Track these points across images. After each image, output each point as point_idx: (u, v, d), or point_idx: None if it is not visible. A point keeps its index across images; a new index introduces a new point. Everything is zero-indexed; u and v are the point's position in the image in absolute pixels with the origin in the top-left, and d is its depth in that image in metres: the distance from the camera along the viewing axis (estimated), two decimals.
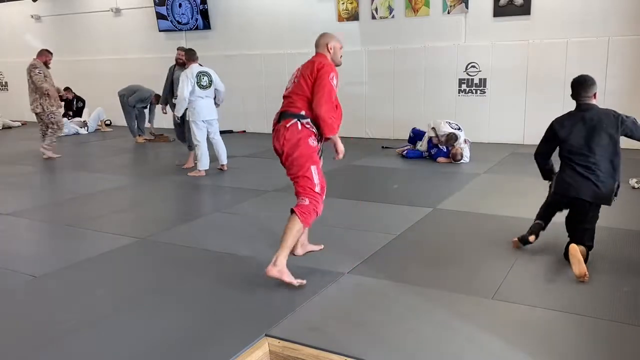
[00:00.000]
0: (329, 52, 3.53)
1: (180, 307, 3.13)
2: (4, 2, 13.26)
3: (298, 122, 3.36)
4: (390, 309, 3.00)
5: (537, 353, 2.52)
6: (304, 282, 3.29)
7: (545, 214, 3.89)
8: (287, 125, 3.37)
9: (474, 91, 8.50)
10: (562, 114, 3.77)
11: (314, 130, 3.40)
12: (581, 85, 3.62)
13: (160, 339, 2.77)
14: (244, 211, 5.11)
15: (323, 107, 3.32)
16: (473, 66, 8.43)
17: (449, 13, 8.48)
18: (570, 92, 3.70)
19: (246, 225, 4.69)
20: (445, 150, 7.12)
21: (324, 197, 3.49)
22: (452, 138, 7.01)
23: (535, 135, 8.08)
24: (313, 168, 3.38)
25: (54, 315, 3.08)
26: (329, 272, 3.50)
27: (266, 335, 2.75)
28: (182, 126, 7.11)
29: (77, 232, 4.65)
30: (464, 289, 3.23)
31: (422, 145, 7.45)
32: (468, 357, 2.52)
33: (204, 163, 6.70)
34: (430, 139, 7.29)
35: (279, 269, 3.25)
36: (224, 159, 6.95)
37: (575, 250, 3.34)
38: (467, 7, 8.32)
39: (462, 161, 7.00)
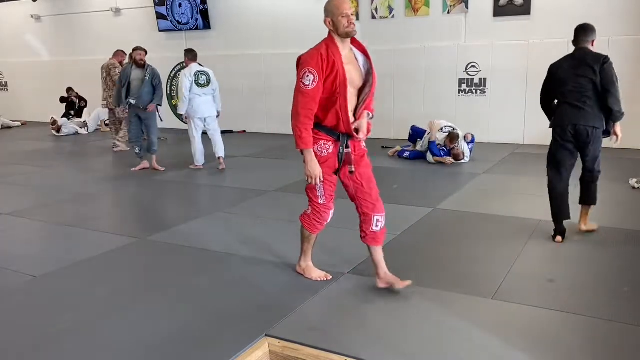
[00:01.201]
0: (330, 27, 2.99)
1: (180, 307, 3.13)
2: (4, 2, 13.26)
3: None
4: (391, 309, 3.00)
5: (537, 353, 2.52)
6: (329, 277, 3.38)
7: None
8: None
9: (474, 91, 8.50)
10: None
11: (324, 136, 3.05)
12: (583, 30, 3.93)
13: (160, 339, 2.77)
14: (244, 211, 5.11)
15: (292, 113, 2.97)
16: (473, 66, 8.43)
17: (449, 13, 8.48)
18: (572, 38, 3.99)
19: (246, 225, 4.69)
20: (446, 150, 7.10)
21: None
22: (455, 137, 6.98)
23: (535, 135, 8.18)
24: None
25: (54, 315, 3.08)
26: (329, 272, 3.49)
27: (266, 335, 2.75)
28: (140, 124, 7.16)
29: (77, 232, 4.65)
30: (464, 289, 3.23)
31: (422, 146, 7.42)
32: (468, 357, 2.52)
33: (198, 159, 7.09)
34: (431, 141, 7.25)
35: (302, 268, 3.45)
36: (221, 152, 7.05)
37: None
38: (467, 7, 8.32)
39: (463, 160, 6.99)
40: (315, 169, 3.00)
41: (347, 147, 3.09)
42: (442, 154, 7.04)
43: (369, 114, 3.13)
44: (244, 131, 10.58)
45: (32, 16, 12.90)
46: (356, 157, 3.16)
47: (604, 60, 3.79)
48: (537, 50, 7.96)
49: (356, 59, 3.11)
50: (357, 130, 3.08)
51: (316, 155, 3.03)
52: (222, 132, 10.48)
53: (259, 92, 10.24)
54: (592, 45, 3.93)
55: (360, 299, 3.16)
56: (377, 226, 3.19)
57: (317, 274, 3.39)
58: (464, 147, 7.06)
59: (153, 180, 6.64)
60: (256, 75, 10.22)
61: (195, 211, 5.29)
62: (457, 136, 7.00)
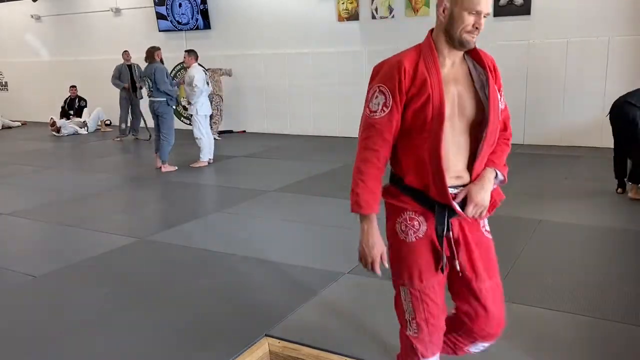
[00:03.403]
0: (442, 20, 1.81)
1: (180, 307, 3.13)
2: (4, 2, 13.26)
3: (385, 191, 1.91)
4: (390, 309, 2.99)
5: (536, 353, 2.52)
6: None
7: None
8: None
9: None
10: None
11: (410, 202, 1.87)
12: None
13: (161, 338, 2.77)
14: (243, 211, 5.11)
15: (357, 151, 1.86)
16: None
17: None
18: None
19: (246, 225, 4.69)
20: None
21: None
22: None
23: (535, 135, 8.18)
24: (402, 289, 1.95)
25: (54, 315, 3.08)
26: (329, 272, 3.49)
27: (266, 335, 2.75)
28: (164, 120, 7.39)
29: (77, 232, 4.65)
30: None
31: None
32: (468, 357, 2.52)
33: (205, 153, 7.38)
34: None
35: None
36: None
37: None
38: None
39: None
40: (373, 246, 1.82)
41: (448, 227, 1.87)
42: None
43: (497, 174, 1.94)
44: (244, 131, 10.58)
45: (32, 16, 12.90)
46: (469, 247, 2.01)
47: None
48: (537, 50, 7.96)
49: (471, 76, 1.86)
50: (463, 201, 1.87)
51: (397, 239, 1.91)
52: (223, 132, 10.54)
53: (259, 92, 10.24)
54: None
55: (360, 299, 3.16)
56: (477, 349, 2.14)
57: None
58: None
59: (153, 180, 6.64)
60: (256, 75, 10.22)
61: (196, 211, 5.29)
62: None
